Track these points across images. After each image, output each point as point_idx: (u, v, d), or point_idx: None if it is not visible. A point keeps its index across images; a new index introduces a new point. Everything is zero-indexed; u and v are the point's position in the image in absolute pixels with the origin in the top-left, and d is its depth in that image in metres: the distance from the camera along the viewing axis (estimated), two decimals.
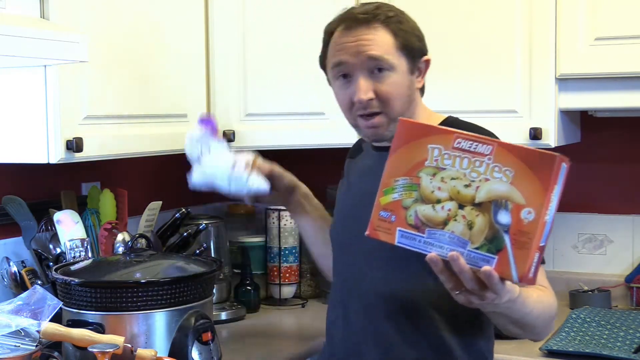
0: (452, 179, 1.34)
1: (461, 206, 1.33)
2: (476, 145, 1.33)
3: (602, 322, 2.32)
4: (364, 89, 1.65)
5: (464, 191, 1.33)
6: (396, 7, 1.74)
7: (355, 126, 1.73)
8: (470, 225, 1.33)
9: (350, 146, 1.98)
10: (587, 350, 2.11)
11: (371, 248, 1.64)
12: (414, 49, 1.71)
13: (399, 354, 1.69)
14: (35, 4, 1.90)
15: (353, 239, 1.73)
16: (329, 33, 1.73)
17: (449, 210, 1.34)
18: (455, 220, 1.34)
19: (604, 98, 2.31)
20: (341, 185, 1.91)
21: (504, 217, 1.31)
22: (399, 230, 1.37)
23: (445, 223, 1.34)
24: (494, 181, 1.32)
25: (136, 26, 2.23)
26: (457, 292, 1.37)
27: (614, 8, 2.24)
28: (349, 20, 1.68)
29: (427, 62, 1.77)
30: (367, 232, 1.41)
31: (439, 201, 1.35)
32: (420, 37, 1.73)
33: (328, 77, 1.77)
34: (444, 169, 1.35)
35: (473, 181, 1.33)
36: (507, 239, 1.31)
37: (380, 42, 1.66)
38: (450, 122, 1.77)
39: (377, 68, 1.66)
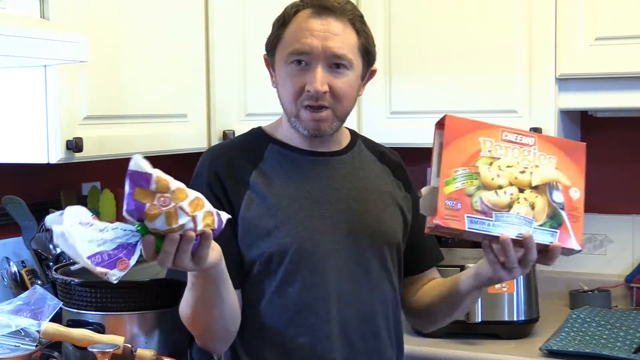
0: (508, 166, 1.51)
1: (521, 190, 1.50)
2: (521, 137, 1.53)
3: (602, 322, 2.32)
4: (321, 80, 1.59)
5: (521, 177, 1.51)
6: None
7: (296, 117, 1.64)
8: (532, 206, 1.50)
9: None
10: (587, 350, 2.11)
11: (342, 262, 1.65)
12: (370, 53, 1.68)
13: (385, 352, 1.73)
14: (35, 4, 1.90)
15: (326, 254, 1.64)
16: (290, 14, 1.64)
17: (512, 194, 1.49)
18: (519, 202, 1.49)
19: (604, 98, 2.30)
20: (252, 197, 1.65)
21: (558, 197, 1.52)
22: (467, 217, 1.48)
23: (510, 206, 1.49)
24: (543, 167, 1.52)
25: (137, 26, 2.23)
26: (512, 267, 1.51)
27: (614, 8, 2.24)
28: (318, 6, 1.61)
29: (373, 72, 1.73)
30: (437, 221, 1.47)
31: (500, 187, 1.50)
32: (374, 44, 1.70)
33: (271, 59, 1.68)
34: (499, 158, 1.51)
35: (526, 167, 1.51)
36: (564, 214, 1.52)
37: (346, 38, 1.61)
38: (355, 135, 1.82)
39: (336, 64, 1.61)
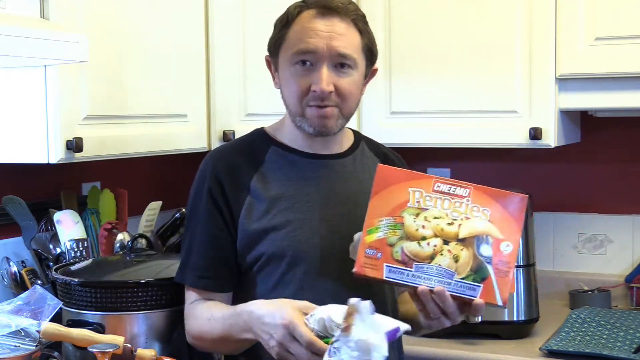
0: (435, 217, 1.49)
1: (446, 242, 1.48)
2: (454, 188, 1.50)
3: (602, 322, 2.32)
4: (327, 80, 1.60)
5: (447, 229, 1.48)
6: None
7: (301, 116, 1.64)
8: (456, 259, 1.47)
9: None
10: (587, 350, 2.11)
11: (340, 265, 1.63)
12: (373, 53, 1.69)
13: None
14: (35, 4, 1.90)
15: (323, 257, 1.65)
16: (294, 14, 1.64)
17: (435, 245, 1.47)
18: (442, 254, 1.47)
19: (604, 98, 2.30)
20: (252, 203, 1.66)
21: (486, 250, 1.47)
22: (386, 266, 1.48)
23: (432, 257, 1.47)
24: (474, 219, 1.48)
25: (137, 26, 2.23)
26: (435, 317, 1.51)
27: (614, 8, 2.24)
28: (322, 7, 1.62)
29: (374, 72, 1.74)
30: (354, 270, 1.49)
31: (424, 238, 1.48)
32: (376, 44, 1.71)
33: (274, 60, 1.68)
34: (427, 209, 1.49)
35: (455, 219, 1.48)
36: (490, 268, 1.47)
37: (350, 38, 1.62)
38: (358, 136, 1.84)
39: (341, 63, 1.62)
